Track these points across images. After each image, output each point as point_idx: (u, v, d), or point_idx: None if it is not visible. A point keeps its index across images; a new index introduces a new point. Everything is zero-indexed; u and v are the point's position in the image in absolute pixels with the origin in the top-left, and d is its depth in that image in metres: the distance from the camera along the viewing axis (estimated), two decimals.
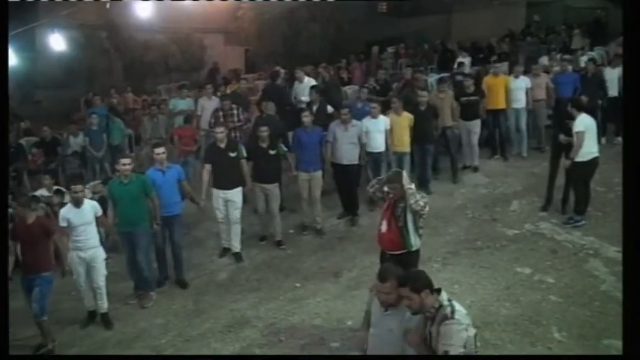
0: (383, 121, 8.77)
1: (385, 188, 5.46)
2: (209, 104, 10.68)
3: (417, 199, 5.26)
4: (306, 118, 8.34)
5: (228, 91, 12.63)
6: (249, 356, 5.22)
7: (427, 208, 5.31)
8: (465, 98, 9.82)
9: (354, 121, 8.52)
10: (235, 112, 9.75)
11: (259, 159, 7.98)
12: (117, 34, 19.35)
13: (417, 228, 5.42)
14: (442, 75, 11.77)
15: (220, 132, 7.73)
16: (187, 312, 6.84)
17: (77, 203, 6.41)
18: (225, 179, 7.69)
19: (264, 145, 7.98)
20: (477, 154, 10.11)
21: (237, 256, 7.94)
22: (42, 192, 8.23)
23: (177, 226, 7.39)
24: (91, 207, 6.49)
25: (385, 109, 9.41)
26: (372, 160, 8.82)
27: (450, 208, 8.77)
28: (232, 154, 7.69)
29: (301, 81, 10.72)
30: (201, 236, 8.81)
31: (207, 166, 7.70)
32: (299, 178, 8.40)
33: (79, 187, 6.47)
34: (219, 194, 7.72)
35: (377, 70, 12.44)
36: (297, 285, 7.16)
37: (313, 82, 10.68)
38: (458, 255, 7.33)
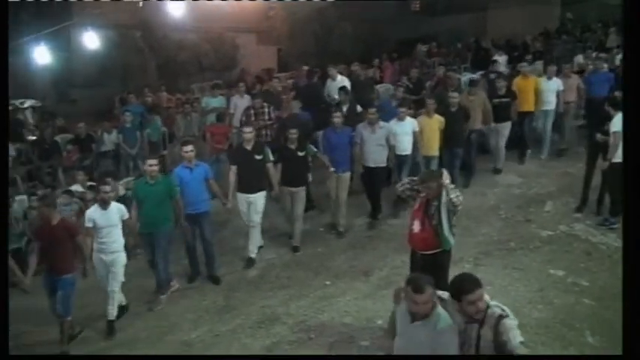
0: (410, 124, 8.65)
1: (418, 187, 5.40)
2: (241, 102, 10.75)
3: (457, 193, 5.23)
4: (337, 118, 8.28)
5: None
6: (249, 356, 5.24)
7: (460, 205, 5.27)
8: (497, 100, 9.65)
9: (382, 123, 8.41)
10: (266, 110, 9.80)
11: (287, 161, 7.93)
12: (151, 34, 19.65)
13: (451, 226, 5.35)
14: (472, 76, 11.60)
15: (249, 132, 7.69)
16: (218, 308, 6.89)
17: (104, 204, 6.40)
18: (249, 182, 7.62)
19: (293, 146, 7.93)
20: (502, 157, 9.92)
21: (250, 262, 7.83)
22: (76, 188, 8.35)
23: (206, 223, 7.36)
24: (117, 209, 6.47)
25: (418, 108, 9.33)
26: (398, 163, 8.70)
27: (483, 208, 8.65)
28: (258, 157, 7.62)
29: (334, 79, 10.69)
30: (230, 234, 8.84)
31: (233, 168, 7.66)
32: (329, 178, 8.37)
33: (107, 187, 6.48)
34: (243, 197, 7.67)
35: (410, 68, 12.33)
36: (328, 283, 7.16)
37: (346, 80, 10.64)
38: (490, 256, 7.23)
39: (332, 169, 8.24)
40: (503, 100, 9.64)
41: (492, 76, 10.73)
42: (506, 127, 9.72)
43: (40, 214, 6.46)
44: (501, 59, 12.89)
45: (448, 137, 8.85)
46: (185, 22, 19.92)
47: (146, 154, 8.94)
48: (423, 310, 3.70)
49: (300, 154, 7.95)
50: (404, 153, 8.67)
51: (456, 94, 9.11)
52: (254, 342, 6.01)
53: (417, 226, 5.42)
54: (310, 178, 8.51)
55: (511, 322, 3.57)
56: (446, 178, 5.22)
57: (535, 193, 9.03)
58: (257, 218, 7.72)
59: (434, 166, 8.78)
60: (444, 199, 5.23)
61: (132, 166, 10.67)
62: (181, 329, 6.46)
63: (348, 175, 8.34)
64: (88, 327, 6.68)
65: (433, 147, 8.81)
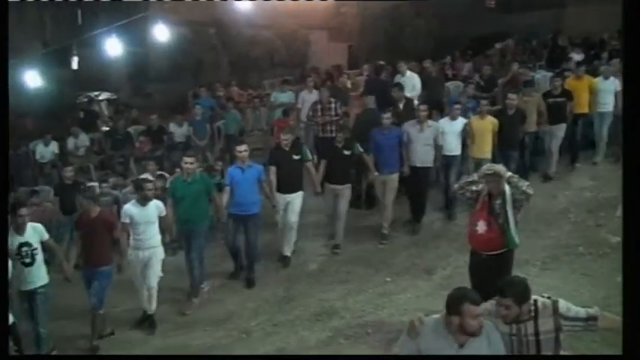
0: (461, 124, 8.38)
1: (474, 187, 5.23)
2: (309, 97, 10.78)
3: (527, 182, 5.08)
4: (387, 120, 8.03)
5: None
6: (250, 356, 5.24)
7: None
8: (552, 100, 9.14)
9: (430, 122, 8.19)
10: (333, 105, 9.79)
11: (333, 159, 7.83)
12: (225, 31, 20.05)
13: (516, 223, 5.17)
14: (546, 74, 11.10)
15: (285, 140, 7.58)
16: (278, 298, 6.96)
17: (144, 201, 6.36)
18: (287, 182, 7.53)
19: (340, 145, 7.82)
20: (554, 162, 9.36)
21: (285, 260, 7.74)
22: (145, 176, 8.61)
23: (252, 225, 7.22)
24: (155, 206, 6.43)
25: (491, 105, 9.08)
26: (444, 164, 8.41)
27: (552, 211, 8.30)
28: (296, 157, 7.55)
29: (403, 74, 10.54)
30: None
31: (273, 169, 7.55)
32: (376, 180, 8.20)
33: (149, 185, 6.49)
34: (281, 197, 7.55)
35: (483, 65, 12.03)
36: (388, 280, 7.09)
37: (415, 76, 10.49)
38: (557, 260, 6.93)
39: (375, 173, 8.08)
40: (558, 100, 9.11)
41: (567, 74, 10.22)
42: (560, 129, 9.17)
43: (81, 206, 6.56)
44: (578, 57, 12.31)
45: (503, 140, 8.44)
46: (258, 19, 20.43)
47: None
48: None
49: (347, 152, 7.82)
50: (451, 153, 8.34)
51: (514, 96, 8.65)
52: (311, 334, 6.02)
53: (482, 227, 5.21)
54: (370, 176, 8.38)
55: (569, 306, 3.56)
56: (504, 171, 5.04)
57: (607, 197, 8.55)
58: (294, 218, 7.62)
59: None
60: (507, 196, 5.05)
61: (201, 158, 10.91)
62: (241, 317, 6.58)
63: (395, 176, 8.08)
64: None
65: (485, 149, 8.40)
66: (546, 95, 9.22)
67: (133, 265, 6.39)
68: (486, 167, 5.24)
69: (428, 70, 11.18)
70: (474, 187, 5.25)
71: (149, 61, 20.22)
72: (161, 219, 6.48)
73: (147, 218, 6.33)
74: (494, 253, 5.22)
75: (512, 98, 8.60)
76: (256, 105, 11.49)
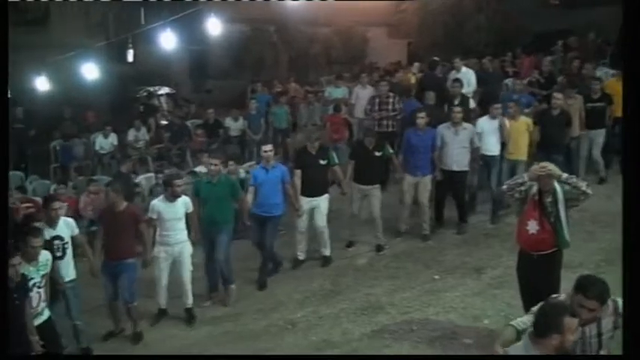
0: (499, 122, 8.07)
1: (523, 187, 5.08)
2: (363, 93, 10.80)
3: (584, 182, 4.94)
4: (421, 119, 7.84)
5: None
6: (250, 356, 5.21)
7: None
8: (591, 104, 8.70)
9: (465, 124, 7.91)
10: (391, 100, 9.75)
11: (362, 159, 7.69)
12: (284, 28, 20.26)
13: (568, 223, 5.00)
14: (609, 71, 10.63)
15: (313, 147, 7.49)
16: (324, 291, 6.99)
17: (173, 197, 6.34)
18: (312, 186, 7.40)
19: (370, 146, 7.67)
20: (601, 165, 8.89)
21: (327, 260, 7.65)
22: (200, 169, 8.83)
23: (271, 227, 7.15)
24: (183, 203, 6.39)
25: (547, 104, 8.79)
26: (484, 164, 8.14)
27: (610, 212, 7.94)
28: (322, 162, 7.45)
29: (459, 70, 10.39)
30: (340, 224, 8.53)
31: (298, 172, 7.44)
32: (404, 182, 7.99)
33: (179, 181, 6.45)
34: (305, 201, 7.42)
35: (542, 62, 11.68)
36: (436, 277, 7.00)
37: (471, 72, 10.31)
38: (612, 264, 6.64)
39: (405, 174, 7.96)
40: (597, 105, 8.68)
41: None
42: (600, 135, 8.72)
43: (107, 199, 6.52)
44: None
45: (545, 142, 8.08)
46: (317, 17, 20.53)
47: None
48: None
49: (377, 154, 7.67)
50: (490, 153, 8.06)
51: (560, 96, 8.27)
52: (355, 328, 6.02)
53: (534, 227, 5.05)
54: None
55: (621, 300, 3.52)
56: (555, 169, 4.87)
57: None
58: (323, 222, 7.50)
59: (521, 171, 7.89)
60: (559, 194, 4.89)
61: (255, 152, 11.09)
62: (287, 308, 6.64)
63: (428, 178, 7.90)
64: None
65: (519, 151, 8.12)
66: (585, 99, 8.79)
67: (159, 261, 6.33)
68: (539, 167, 5.08)
69: (485, 67, 10.95)
70: (522, 188, 5.11)
71: (210, 58, 20.75)
72: (188, 215, 6.47)
73: (174, 214, 6.31)
74: (545, 253, 5.06)
75: (558, 97, 8.21)
76: (310, 100, 11.56)
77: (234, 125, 11.46)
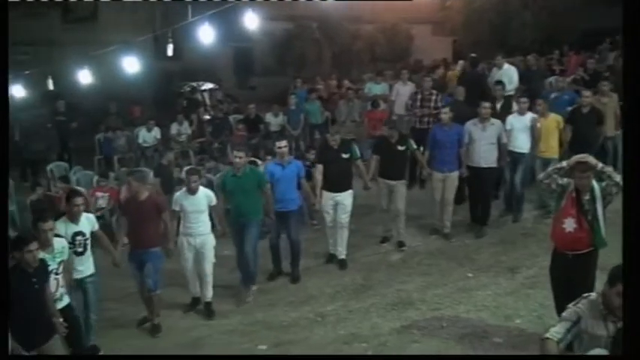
0: (530, 118, 7.88)
1: (560, 181, 4.97)
2: (404, 89, 10.75)
3: (619, 175, 4.69)
4: (445, 115, 7.80)
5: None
6: (250, 356, 5.18)
7: None
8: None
9: (493, 120, 7.75)
10: (433, 97, 9.68)
11: (386, 154, 7.61)
12: (327, 25, 20.32)
13: (605, 221, 4.89)
14: None
15: (334, 141, 7.39)
16: (356, 286, 7.01)
17: (193, 191, 6.41)
18: (335, 181, 7.32)
19: (393, 140, 7.59)
20: None
21: (342, 263, 7.51)
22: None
23: (293, 222, 7.17)
24: (205, 195, 6.46)
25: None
26: (512, 161, 7.96)
27: None
28: (345, 155, 7.35)
29: (500, 67, 10.20)
30: (372, 221, 8.69)
31: (319, 167, 7.37)
32: (432, 178, 7.92)
33: (195, 177, 6.51)
34: (328, 197, 7.37)
35: (587, 59, 11.40)
36: (470, 275, 6.94)
37: (513, 69, 10.13)
38: None
39: (427, 170, 7.91)
40: None
41: None
42: None
43: (129, 189, 6.54)
44: None
45: (575, 140, 7.84)
46: (361, 14, 20.52)
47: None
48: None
49: (400, 148, 7.59)
50: (519, 150, 7.89)
51: (588, 93, 8.05)
52: (384, 322, 6.02)
53: (570, 225, 4.95)
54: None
55: None
56: (597, 162, 4.77)
57: None
58: (345, 218, 7.41)
59: None
60: (597, 191, 4.78)
61: (294, 147, 11.18)
62: (318, 301, 6.69)
63: (455, 174, 7.78)
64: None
65: (550, 149, 7.93)
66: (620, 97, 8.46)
67: (184, 252, 6.45)
68: (579, 156, 4.97)
69: (530, 64, 10.75)
70: (559, 181, 5.02)
71: (254, 55, 21.03)
72: (212, 208, 6.53)
73: (196, 207, 6.39)
74: (580, 252, 4.96)
75: (587, 95, 7.99)
76: (350, 96, 11.57)
77: (274, 120, 11.59)
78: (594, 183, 4.83)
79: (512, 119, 7.98)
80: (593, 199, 4.83)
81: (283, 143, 7.13)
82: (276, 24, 20.60)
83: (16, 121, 10.63)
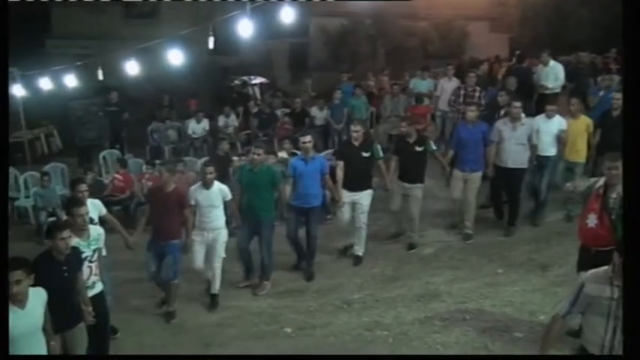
0: (557, 122, 7.67)
1: (582, 187, 4.99)
2: (448, 85, 10.79)
3: None
4: (472, 112, 7.71)
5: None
6: (249, 356, 5.19)
7: None
8: None
9: (524, 119, 7.59)
10: (477, 94, 9.66)
11: (404, 155, 7.53)
12: (381, 21, 20.37)
13: None
14: None
15: (357, 131, 7.35)
16: (385, 277, 7.16)
17: (207, 185, 6.44)
18: (354, 180, 7.25)
19: (411, 140, 7.50)
20: None
21: (358, 259, 7.49)
22: (281, 154, 9.20)
23: (314, 218, 7.16)
24: (219, 190, 6.48)
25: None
26: (537, 165, 7.79)
27: None
28: (365, 154, 7.27)
29: (546, 64, 10.08)
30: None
31: (340, 164, 7.30)
32: (452, 177, 7.84)
33: (211, 168, 6.53)
34: (346, 195, 7.31)
35: None
36: (499, 271, 6.96)
37: (559, 66, 10.00)
38: None
39: (447, 169, 7.86)
40: None
41: None
42: None
43: (156, 178, 6.67)
44: None
45: (604, 144, 7.50)
46: (416, 10, 20.46)
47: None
48: None
49: (418, 149, 7.48)
50: (544, 154, 7.70)
51: (619, 95, 7.62)
52: (408, 312, 6.16)
53: (592, 220, 4.97)
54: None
55: None
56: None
57: None
58: (363, 218, 7.34)
59: (578, 174, 7.69)
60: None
61: (337, 140, 11.36)
62: (346, 289, 6.88)
63: (478, 175, 7.69)
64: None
65: (578, 152, 7.73)
66: None
67: (194, 244, 6.45)
68: (608, 154, 4.97)
69: (577, 61, 10.57)
70: (581, 188, 5.08)
71: (310, 51, 21.33)
72: (226, 203, 6.58)
73: (210, 202, 6.42)
74: (603, 249, 4.93)
75: (617, 97, 7.56)
76: (395, 92, 11.64)
77: (319, 114, 11.80)
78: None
79: (540, 121, 7.80)
80: (618, 197, 4.76)
81: (308, 138, 7.05)
82: (331, 20, 20.90)
83: (71, 110, 11.34)
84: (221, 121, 12.07)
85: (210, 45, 6.86)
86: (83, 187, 5.60)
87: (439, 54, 20.44)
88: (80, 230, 4.80)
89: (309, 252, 7.28)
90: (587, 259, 5.05)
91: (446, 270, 7.15)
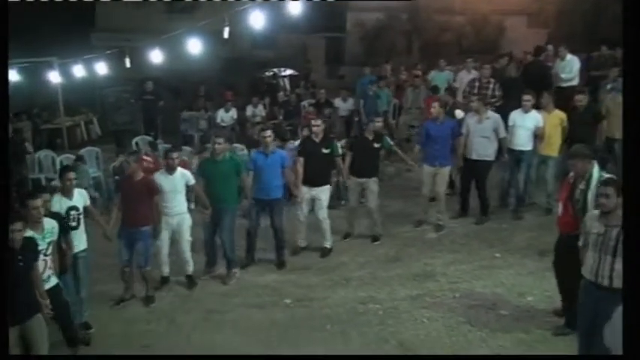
0: (533, 118, 7.79)
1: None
2: (467, 77, 10.94)
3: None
4: (434, 109, 7.93)
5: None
6: (249, 356, 5.22)
7: None
8: None
9: (490, 113, 7.88)
10: (491, 86, 9.81)
11: (360, 151, 7.74)
12: (417, 16, 20.53)
13: None
14: None
15: (317, 125, 7.56)
16: (388, 257, 7.49)
17: (170, 170, 6.60)
18: (313, 175, 7.42)
19: (370, 137, 7.73)
20: None
21: (326, 251, 7.63)
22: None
23: (277, 210, 7.27)
24: (182, 175, 6.64)
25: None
26: (513, 159, 7.98)
27: None
28: (325, 151, 7.47)
29: (563, 58, 10.18)
30: (410, 205, 8.99)
31: (301, 160, 7.45)
32: (423, 172, 8.08)
33: (175, 154, 6.69)
34: (304, 191, 7.45)
35: None
36: (497, 255, 7.21)
37: (576, 60, 10.09)
38: None
39: (411, 163, 8.17)
40: None
41: None
42: None
43: (126, 168, 6.83)
44: None
45: (572, 139, 7.57)
46: (453, 5, 20.53)
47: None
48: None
49: (376, 145, 7.71)
50: (519, 148, 7.86)
51: (581, 97, 7.91)
52: (402, 290, 6.52)
53: (560, 209, 5.34)
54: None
55: None
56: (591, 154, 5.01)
57: None
58: (324, 214, 7.52)
59: (550, 167, 7.89)
60: (593, 183, 4.94)
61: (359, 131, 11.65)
62: (348, 268, 7.24)
63: (447, 169, 7.97)
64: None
65: (551, 145, 7.83)
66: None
67: (162, 230, 6.58)
68: (575, 146, 5.26)
69: (595, 55, 10.64)
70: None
71: (346, 45, 21.70)
72: (190, 188, 6.74)
73: (173, 187, 6.56)
74: (572, 234, 5.11)
75: (579, 99, 7.86)
76: (417, 83, 11.84)
77: (343, 105, 12.16)
78: (594, 172, 5.00)
79: (515, 116, 7.98)
80: (586, 189, 4.99)
81: (268, 133, 7.20)
82: (367, 15, 21.19)
83: (104, 97, 12.06)
84: (249, 110, 12.56)
85: (226, 35, 7.25)
86: (71, 175, 5.80)
87: (473, 49, 20.43)
88: (35, 223, 4.86)
89: (277, 243, 7.41)
90: (559, 242, 5.47)
91: (446, 253, 7.43)
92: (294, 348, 5.46)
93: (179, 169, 6.68)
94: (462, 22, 20.77)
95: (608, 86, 8.93)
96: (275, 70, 16.30)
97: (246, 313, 6.23)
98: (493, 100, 9.56)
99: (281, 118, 12.51)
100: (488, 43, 20.57)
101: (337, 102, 12.27)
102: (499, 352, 5.23)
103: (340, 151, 7.83)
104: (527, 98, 7.86)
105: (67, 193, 5.75)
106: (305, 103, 12.98)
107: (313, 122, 7.75)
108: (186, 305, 6.51)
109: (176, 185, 6.59)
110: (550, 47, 11.50)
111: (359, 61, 20.65)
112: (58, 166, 10.30)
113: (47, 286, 4.91)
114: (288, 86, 15.47)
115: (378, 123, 7.90)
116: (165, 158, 6.88)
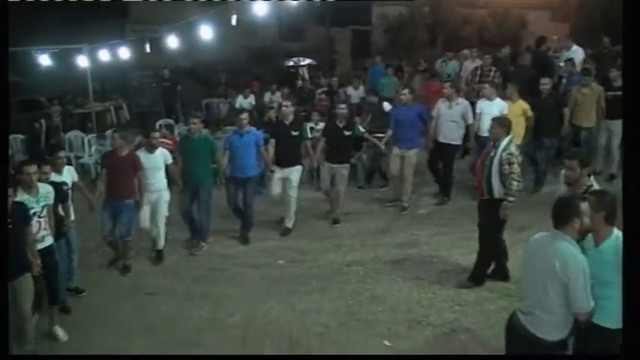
0: (498, 105, 8.27)
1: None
2: (471, 66, 11.43)
3: (515, 181, 5.77)
4: (404, 96, 8.42)
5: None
6: (248, 356, 5.35)
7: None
8: (611, 93, 8.42)
9: (460, 100, 8.36)
10: (492, 73, 10.30)
11: (333, 138, 8.12)
12: (439, 9, 20.91)
13: (504, 183, 5.85)
14: None
15: (286, 106, 8.10)
16: (378, 230, 8.13)
17: (151, 149, 7.05)
18: (284, 156, 7.84)
19: (341, 124, 8.11)
20: (615, 159, 8.62)
21: (286, 231, 8.02)
22: (311, 125, 10.19)
23: (250, 187, 7.68)
24: (161, 154, 7.12)
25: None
26: (479, 145, 8.28)
27: None
28: (295, 133, 7.87)
29: (569, 49, 10.61)
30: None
31: (272, 141, 7.86)
32: (391, 154, 8.54)
33: (156, 134, 7.21)
34: (276, 171, 7.86)
35: None
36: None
37: (580, 50, 10.52)
38: None
39: (382, 147, 8.58)
40: (617, 93, 8.20)
41: None
42: (619, 126, 8.12)
43: (113, 144, 7.22)
44: None
45: (536, 126, 8.23)
46: None
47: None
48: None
49: (347, 133, 8.11)
50: (486, 134, 8.01)
51: (547, 80, 8.45)
52: (384, 254, 7.19)
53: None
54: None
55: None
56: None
57: None
58: (292, 192, 7.90)
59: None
60: (497, 154, 5.78)
61: (370, 117, 12.22)
62: (340, 238, 7.90)
63: (414, 152, 8.39)
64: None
65: (515, 134, 8.09)
66: (606, 88, 8.62)
67: (142, 207, 7.02)
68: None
69: (601, 47, 11.04)
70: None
71: (372, 38, 22.21)
72: (168, 166, 7.22)
73: (153, 164, 7.01)
74: (482, 198, 6.02)
75: (545, 82, 8.44)
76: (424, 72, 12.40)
77: (354, 93, 12.76)
78: (505, 141, 5.79)
79: (482, 104, 8.48)
80: (492, 158, 5.78)
81: (244, 115, 7.71)
82: (391, 8, 21.66)
83: (128, 81, 12.89)
84: (267, 97, 13.27)
85: (233, 22, 7.87)
86: (62, 153, 6.33)
87: (493, 41, 20.72)
88: (29, 187, 5.18)
89: (244, 220, 7.85)
90: (478, 207, 6.34)
91: (432, 226, 8.05)
92: (279, 298, 6.14)
93: (159, 149, 7.17)
94: (483, 14, 21.06)
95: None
96: (295, 59, 17.00)
97: (242, 271, 6.96)
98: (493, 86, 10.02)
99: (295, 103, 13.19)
100: (508, 35, 20.76)
101: (349, 90, 12.87)
102: (462, 306, 5.82)
103: (309, 134, 8.37)
104: (545, 82, 8.48)
105: (57, 170, 6.12)
106: (319, 90, 13.61)
107: (283, 103, 8.33)
108: (189, 264, 7.26)
109: (156, 163, 7.07)
110: (555, 38, 11.90)
111: (384, 54, 21.26)
112: (87, 145, 11.24)
113: (41, 245, 5.22)
114: (306, 75, 16.13)
115: (342, 110, 8.27)
116: (147, 137, 7.31)
